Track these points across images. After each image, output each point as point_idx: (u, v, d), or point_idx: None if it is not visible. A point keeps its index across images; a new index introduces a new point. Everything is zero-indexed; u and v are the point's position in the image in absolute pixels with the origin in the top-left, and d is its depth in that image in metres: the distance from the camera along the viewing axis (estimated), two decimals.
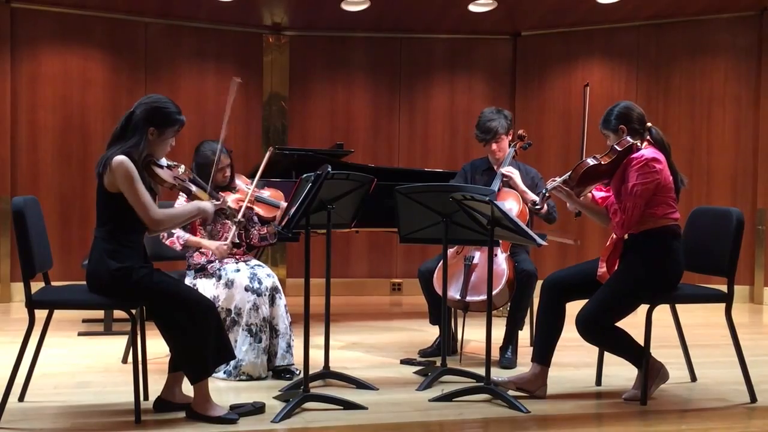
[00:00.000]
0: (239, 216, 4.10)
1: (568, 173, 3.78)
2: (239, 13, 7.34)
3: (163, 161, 3.48)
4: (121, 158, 3.28)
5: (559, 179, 3.79)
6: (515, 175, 4.61)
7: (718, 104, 7.41)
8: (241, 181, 4.53)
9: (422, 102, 7.97)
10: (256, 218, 4.50)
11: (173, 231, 4.21)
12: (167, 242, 4.24)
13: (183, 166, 3.56)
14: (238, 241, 4.32)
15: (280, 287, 4.26)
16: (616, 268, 3.81)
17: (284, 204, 4.39)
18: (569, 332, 3.88)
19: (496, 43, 7.99)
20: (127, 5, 7.08)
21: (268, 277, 4.22)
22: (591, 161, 3.74)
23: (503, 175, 4.62)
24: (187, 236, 4.26)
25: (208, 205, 3.53)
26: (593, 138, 4.10)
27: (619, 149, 3.73)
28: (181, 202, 4.10)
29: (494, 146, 4.76)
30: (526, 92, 7.91)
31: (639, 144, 3.77)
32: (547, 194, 3.80)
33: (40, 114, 6.97)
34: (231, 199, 4.33)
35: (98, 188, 3.38)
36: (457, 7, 7.25)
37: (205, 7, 7.17)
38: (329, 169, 3.52)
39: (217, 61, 7.56)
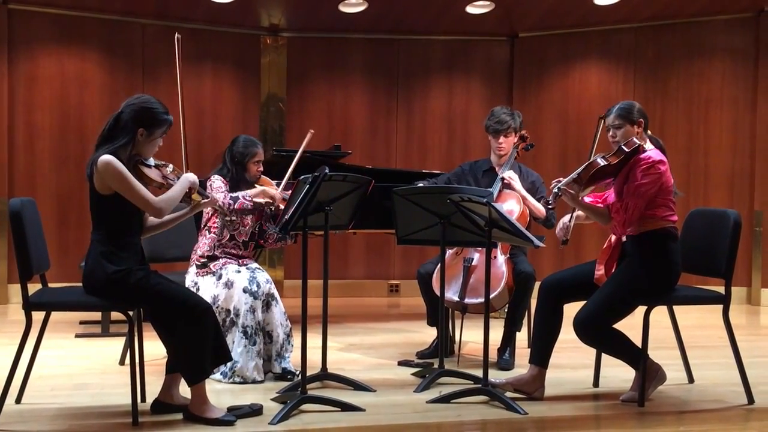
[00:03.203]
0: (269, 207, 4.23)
1: (577, 172, 3.76)
2: (237, 15, 7.34)
3: (151, 161, 3.48)
4: (106, 158, 3.27)
5: (566, 178, 3.78)
6: (515, 180, 4.61)
7: (716, 106, 7.42)
8: (264, 184, 4.49)
9: (420, 103, 7.97)
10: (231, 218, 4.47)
11: (237, 195, 4.16)
12: (237, 206, 4.13)
13: (171, 165, 3.55)
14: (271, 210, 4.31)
15: (276, 294, 4.26)
16: (613, 270, 3.82)
17: None
18: (567, 334, 3.89)
19: (494, 45, 8.00)
20: (123, 6, 7.07)
21: (266, 282, 4.22)
22: (601, 161, 3.74)
23: (503, 180, 4.62)
24: (248, 192, 4.22)
25: (192, 175, 3.51)
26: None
27: (626, 150, 3.73)
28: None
29: (502, 139, 4.75)
30: (524, 94, 7.91)
31: (644, 145, 3.78)
32: (559, 193, 3.77)
33: (37, 115, 6.96)
34: (253, 192, 4.29)
35: (90, 191, 3.38)
36: (455, 9, 7.26)
37: (203, 9, 7.16)
38: (327, 171, 3.52)
39: (215, 62, 7.56)
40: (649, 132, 3.88)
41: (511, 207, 4.48)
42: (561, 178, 3.82)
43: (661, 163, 3.72)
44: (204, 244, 4.30)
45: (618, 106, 3.86)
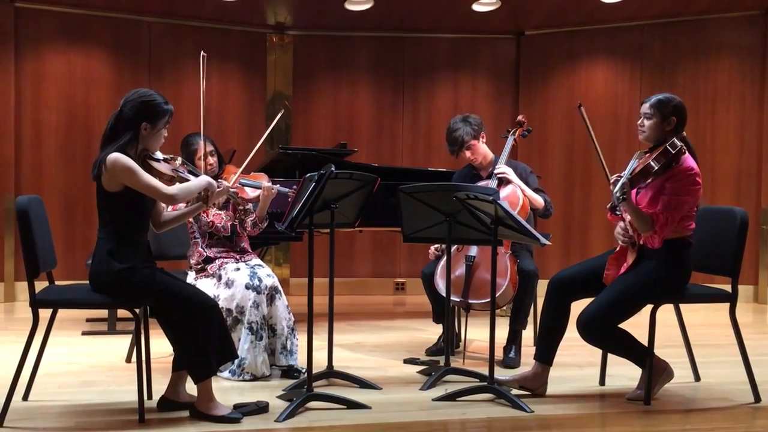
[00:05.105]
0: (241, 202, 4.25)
1: (630, 174, 3.65)
2: (243, 13, 7.35)
3: (159, 154, 3.49)
4: (113, 155, 3.29)
5: (624, 179, 3.65)
6: (510, 174, 4.59)
7: (723, 104, 7.39)
8: (227, 173, 4.49)
9: (426, 101, 7.97)
10: (244, 207, 4.48)
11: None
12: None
13: (180, 158, 3.58)
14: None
15: (280, 288, 4.26)
16: (623, 271, 3.79)
17: (266, 183, 4.38)
18: (573, 332, 3.87)
19: (500, 43, 7.99)
20: (130, 4, 7.09)
21: (268, 276, 4.22)
22: (654, 164, 3.61)
23: (498, 176, 4.59)
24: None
25: (213, 181, 3.53)
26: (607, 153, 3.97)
27: (672, 151, 3.60)
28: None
29: (467, 154, 4.74)
30: (530, 91, 7.90)
31: (684, 149, 3.66)
32: (623, 198, 3.62)
33: (43, 113, 6.98)
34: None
35: (98, 190, 3.39)
36: (461, 7, 7.25)
37: (209, 7, 7.17)
38: (333, 169, 3.52)
39: (221, 60, 7.55)
40: (684, 133, 3.76)
41: (512, 199, 4.47)
42: (621, 174, 3.69)
43: (699, 175, 3.66)
44: (193, 251, 4.33)
45: (657, 97, 3.77)
